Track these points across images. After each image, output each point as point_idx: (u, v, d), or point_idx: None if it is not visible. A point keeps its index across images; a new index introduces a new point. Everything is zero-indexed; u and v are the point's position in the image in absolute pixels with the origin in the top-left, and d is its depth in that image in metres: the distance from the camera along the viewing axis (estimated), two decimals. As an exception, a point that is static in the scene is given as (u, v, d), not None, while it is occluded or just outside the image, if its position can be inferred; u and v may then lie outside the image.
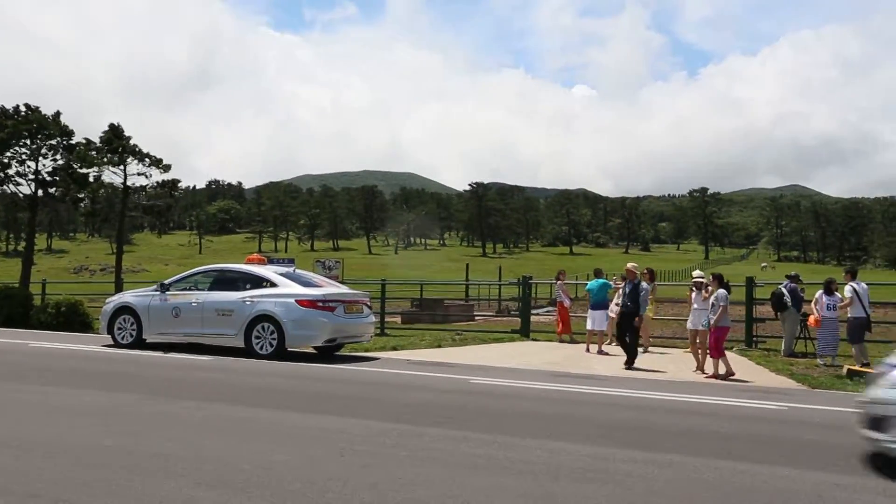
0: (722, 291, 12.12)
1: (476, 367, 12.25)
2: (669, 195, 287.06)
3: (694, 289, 13.06)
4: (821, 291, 14.12)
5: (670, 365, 13.49)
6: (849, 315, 13.43)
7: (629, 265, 13.38)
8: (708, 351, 12.20)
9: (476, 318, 25.93)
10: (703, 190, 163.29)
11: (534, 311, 24.98)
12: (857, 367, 12.12)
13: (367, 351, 14.53)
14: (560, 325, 17.20)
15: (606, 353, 14.71)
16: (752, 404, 9.03)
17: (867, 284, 14.08)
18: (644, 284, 13.18)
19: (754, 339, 15.89)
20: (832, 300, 13.87)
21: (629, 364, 12.73)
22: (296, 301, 12.61)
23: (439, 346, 15.92)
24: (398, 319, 24.30)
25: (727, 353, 12.35)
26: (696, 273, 14.00)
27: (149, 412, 7.48)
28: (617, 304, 14.21)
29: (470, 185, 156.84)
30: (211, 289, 13.53)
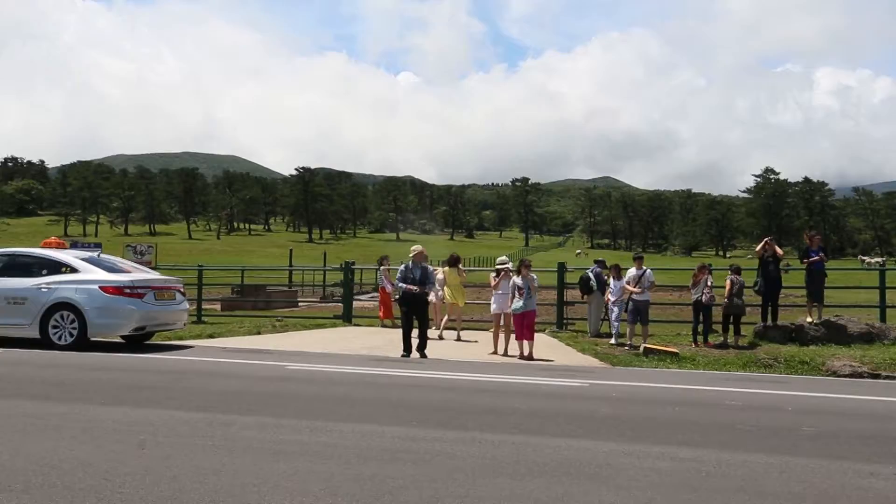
0: (533, 277, 12.77)
1: (294, 354, 12.09)
2: (493, 184, 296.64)
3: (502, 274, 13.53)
4: (611, 277, 15.10)
5: (479, 347, 13.94)
6: (637, 297, 14.23)
7: (419, 248, 12.77)
8: (514, 332, 12.75)
9: (300, 304, 25.60)
10: (524, 180, 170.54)
11: (358, 297, 25.04)
12: (653, 346, 13.16)
13: (180, 339, 13.91)
14: (382, 310, 17.32)
15: (442, 339, 15.00)
16: (556, 382, 9.57)
17: (652, 269, 14.87)
18: (431, 268, 13.02)
19: (564, 321, 16.82)
20: (619, 284, 14.77)
21: (421, 350, 12.33)
22: (99, 288, 11.82)
23: (258, 333, 15.55)
24: (218, 307, 23.46)
25: (537, 334, 13.04)
26: (500, 259, 14.57)
27: (-81, 411, 6.73)
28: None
29: (296, 169, 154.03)
30: (0, 275, 12.36)
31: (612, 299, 14.72)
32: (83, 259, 12.58)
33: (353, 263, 19.90)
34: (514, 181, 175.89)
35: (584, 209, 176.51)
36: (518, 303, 12.59)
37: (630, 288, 14.21)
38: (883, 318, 15.00)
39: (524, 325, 12.58)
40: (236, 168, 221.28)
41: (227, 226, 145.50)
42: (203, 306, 19.75)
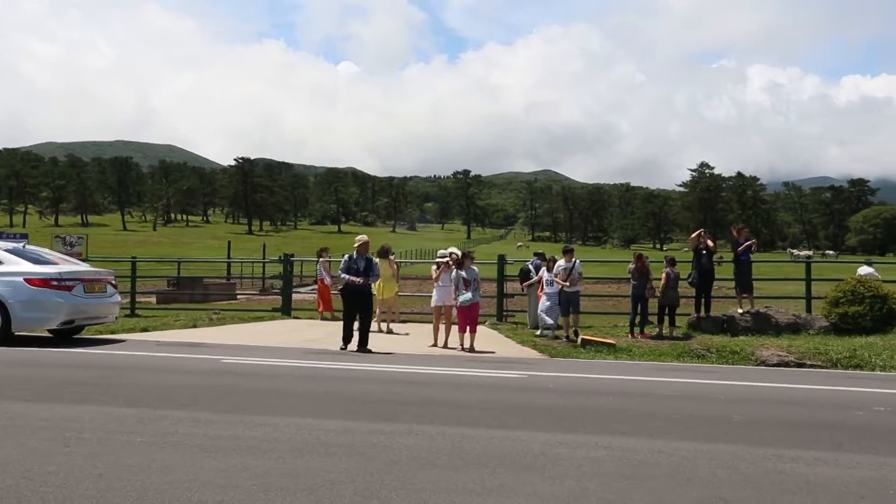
0: (475, 269, 12.82)
1: (231, 347, 11.89)
2: (435, 176, 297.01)
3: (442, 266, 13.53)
4: (543, 268, 15.04)
5: (418, 340, 13.92)
6: (567, 289, 14.12)
7: (363, 238, 12.33)
8: (457, 325, 12.78)
9: (238, 296, 25.20)
10: (466, 172, 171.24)
11: (298, 290, 24.77)
12: (590, 337, 13.35)
13: (112, 333, 13.54)
14: (321, 303, 17.16)
15: (392, 332, 14.90)
16: (495, 374, 9.62)
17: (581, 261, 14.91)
18: (375, 259, 12.58)
19: (504, 313, 16.94)
20: (552, 276, 14.57)
21: (363, 345, 11.88)
22: (25, 280, 11.40)
23: (194, 327, 15.25)
24: (153, 300, 22.92)
25: (478, 326, 13.08)
26: (441, 251, 14.59)
27: None
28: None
29: (235, 160, 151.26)
30: (-82, 267, 11.80)
31: (547, 291, 14.64)
32: (6, 250, 12.10)
33: (292, 255, 19.66)
34: (455, 173, 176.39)
35: (526, 202, 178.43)
36: (467, 295, 12.61)
37: (559, 281, 14.14)
38: (809, 309, 15.54)
39: (469, 318, 12.62)
40: (173, 158, 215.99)
41: (164, 217, 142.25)
42: (137, 299, 19.27)
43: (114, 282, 13.24)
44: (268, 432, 5.82)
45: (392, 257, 15.29)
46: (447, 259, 13.53)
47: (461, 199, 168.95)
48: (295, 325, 16.04)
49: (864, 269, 17.22)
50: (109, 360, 10.16)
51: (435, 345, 12.93)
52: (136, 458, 4.99)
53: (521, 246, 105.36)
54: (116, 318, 13.52)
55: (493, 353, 12.32)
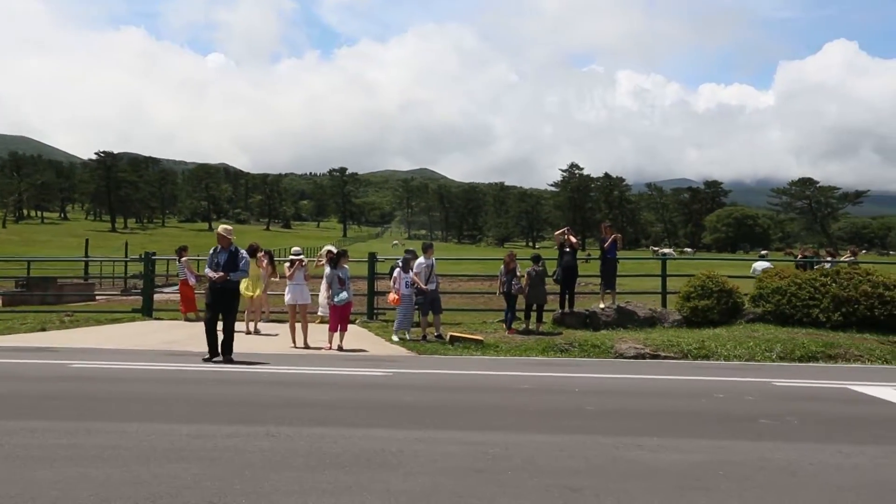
0: (346, 268, 12.69)
1: (83, 351, 11.22)
2: (311, 173, 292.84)
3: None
4: (398, 269, 13.92)
5: (285, 340, 13.52)
6: (426, 286, 13.81)
7: (220, 229, 10.84)
8: (317, 324, 12.58)
9: (98, 297, 23.84)
10: (342, 170, 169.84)
11: (162, 290, 23.72)
12: (458, 334, 13.50)
13: (-53, 339, 12.47)
14: (184, 303, 16.51)
15: (259, 332, 14.44)
16: (362, 372, 9.56)
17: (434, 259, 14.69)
18: (243, 252, 10.82)
19: (375, 311, 16.88)
20: (409, 277, 13.89)
21: (227, 351, 10.46)
22: None
23: (43, 330, 14.29)
24: (-2, 301, 21.32)
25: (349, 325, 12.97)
26: (295, 249, 14.34)
27: None
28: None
29: (97, 153, 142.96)
30: None
31: (405, 291, 13.80)
32: None
33: (153, 254, 18.80)
34: (331, 171, 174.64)
35: (402, 200, 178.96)
36: (343, 294, 12.44)
37: (417, 280, 13.79)
38: (664, 304, 16.37)
39: (342, 317, 12.49)
40: (24, 150, 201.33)
41: (15, 213, 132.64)
42: (-21, 301, 17.85)
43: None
44: (113, 439, 5.53)
45: (260, 255, 14.90)
46: (301, 257, 13.32)
47: (337, 196, 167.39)
48: (155, 327, 15.34)
49: (760, 264, 18.32)
50: (-59, 368, 9.36)
51: (294, 345, 12.62)
52: (-40, 473, 4.61)
53: (396, 244, 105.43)
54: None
55: (364, 351, 12.25)
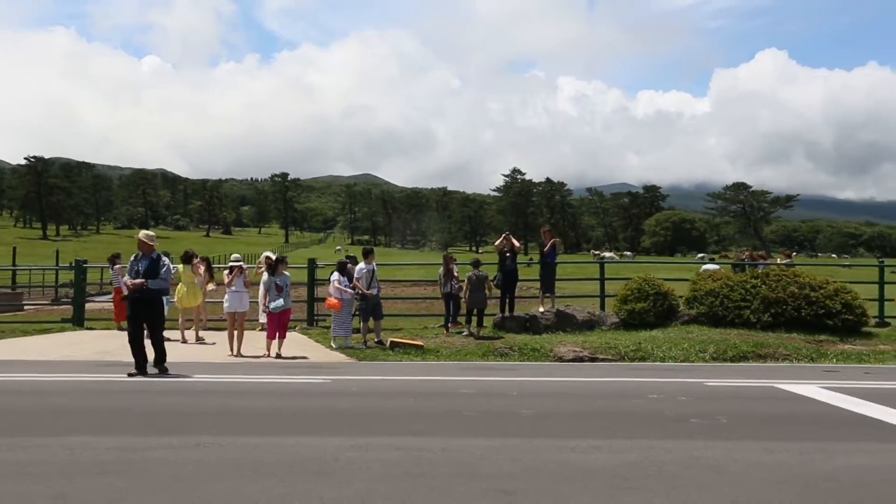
0: (286, 274, 12.56)
1: (7, 363, 10.83)
2: (252, 179, 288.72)
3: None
4: (337, 274, 13.79)
5: (222, 349, 13.22)
6: (368, 291, 13.67)
7: (140, 234, 10.32)
8: (255, 331, 12.41)
9: (26, 307, 23.02)
10: (284, 175, 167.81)
11: (93, 298, 23.06)
12: (399, 339, 13.47)
13: None
14: (117, 311, 16.08)
15: (203, 340, 14.10)
16: (299, 380, 9.46)
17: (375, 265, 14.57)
18: (165, 259, 10.32)
19: (315, 317, 16.72)
20: (346, 281, 13.73)
21: (159, 362, 9.94)
22: None
23: (-35, 342, 13.75)
24: (-84, 313, 20.40)
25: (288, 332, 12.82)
26: (234, 256, 14.14)
27: None
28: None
29: (26, 158, 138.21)
30: None
31: (346, 297, 13.69)
32: None
33: (85, 261, 18.27)
34: (273, 176, 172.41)
35: (345, 206, 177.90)
36: (279, 301, 12.28)
37: (359, 285, 13.63)
38: (603, 307, 16.63)
39: (280, 324, 12.33)
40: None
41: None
42: None
43: None
44: (36, 454, 5.34)
45: (196, 262, 14.61)
46: (240, 263, 13.12)
47: (279, 202, 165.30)
48: (87, 337, 14.89)
49: (708, 266, 18.71)
50: None
51: (232, 353, 12.39)
52: None
53: (339, 249, 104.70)
54: None
55: (304, 358, 12.12)
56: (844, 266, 40.98)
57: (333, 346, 13.31)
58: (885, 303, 16.15)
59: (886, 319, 15.93)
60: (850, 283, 15.38)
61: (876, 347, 13.08)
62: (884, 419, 7.07)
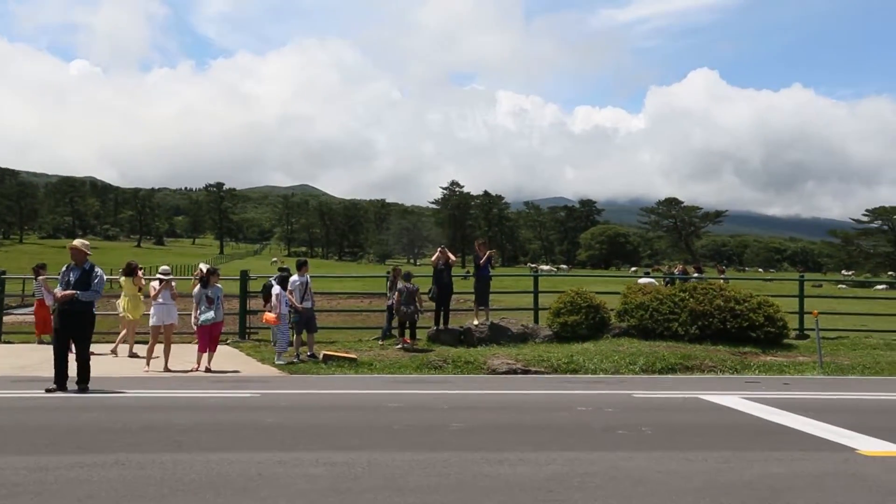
0: (219, 286, 12.35)
1: (-83, 379, 10.31)
2: (186, 188, 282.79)
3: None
4: (278, 288, 13.41)
5: (160, 362, 12.92)
6: (300, 305, 13.49)
7: (76, 242, 9.87)
8: (187, 344, 12.14)
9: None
10: (219, 185, 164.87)
11: (13, 311, 22.21)
12: (332, 352, 13.33)
13: None
14: (38, 324, 15.51)
15: (136, 355, 13.58)
16: (227, 394, 9.28)
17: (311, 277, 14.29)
18: (98, 270, 9.72)
19: (247, 330, 16.44)
20: (286, 295, 13.41)
21: (82, 381, 9.43)
22: None
23: None
24: None
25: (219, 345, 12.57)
26: (163, 268, 13.85)
27: None
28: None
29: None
30: None
31: (284, 311, 13.31)
32: None
33: (3, 272, 17.59)
34: (207, 186, 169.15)
35: (282, 217, 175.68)
36: (209, 314, 12.04)
37: (292, 298, 13.40)
38: (536, 320, 16.80)
39: (210, 337, 12.08)
40: None
41: None
42: None
43: None
44: (-59, 475, 5.10)
45: (140, 273, 14.24)
46: (169, 276, 12.83)
47: (213, 212, 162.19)
48: (4, 351, 14.30)
49: (644, 280, 19.00)
50: None
51: (147, 368, 11.96)
52: None
53: (275, 261, 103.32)
54: None
55: (235, 372, 11.89)
56: (768, 280, 42.46)
57: (280, 361, 12.88)
58: (805, 315, 16.76)
59: (806, 332, 16.52)
60: (773, 296, 15.92)
61: (795, 359, 13.56)
62: (800, 428, 7.33)
